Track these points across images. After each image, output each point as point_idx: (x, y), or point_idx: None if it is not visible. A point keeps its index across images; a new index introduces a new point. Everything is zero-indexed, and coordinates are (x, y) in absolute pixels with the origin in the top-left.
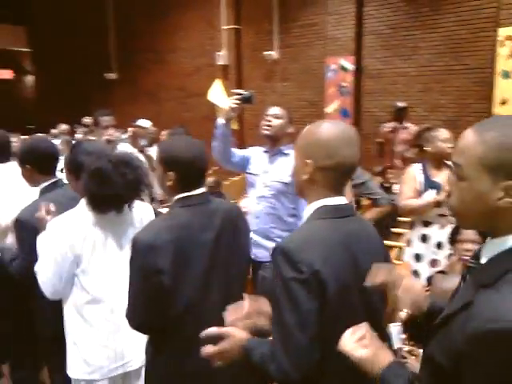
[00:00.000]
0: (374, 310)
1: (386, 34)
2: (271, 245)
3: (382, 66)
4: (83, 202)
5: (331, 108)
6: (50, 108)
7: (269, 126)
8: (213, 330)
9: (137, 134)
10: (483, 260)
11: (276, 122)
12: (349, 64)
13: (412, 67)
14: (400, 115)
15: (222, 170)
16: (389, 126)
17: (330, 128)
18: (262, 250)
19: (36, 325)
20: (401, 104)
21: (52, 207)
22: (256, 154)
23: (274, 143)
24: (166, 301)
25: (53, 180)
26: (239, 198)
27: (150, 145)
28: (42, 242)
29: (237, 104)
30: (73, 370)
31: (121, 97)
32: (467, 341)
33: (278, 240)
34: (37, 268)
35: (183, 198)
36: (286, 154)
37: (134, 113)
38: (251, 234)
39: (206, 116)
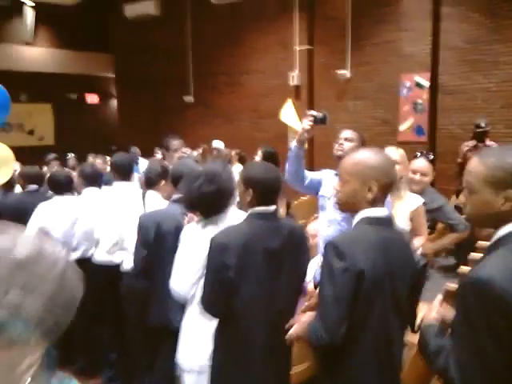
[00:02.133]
0: (399, 295)
1: (465, 48)
2: None
3: (459, 82)
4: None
5: (405, 126)
6: (131, 130)
7: (341, 148)
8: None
9: (206, 151)
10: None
11: (348, 145)
12: (424, 80)
13: (492, 82)
14: (482, 133)
15: (290, 189)
16: (469, 144)
17: (376, 153)
18: None
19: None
20: (482, 121)
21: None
22: (328, 177)
23: None
24: (231, 292)
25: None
26: (308, 218)
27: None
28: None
29: (310, 125)
30: (187, 359)
31: (197, 119)
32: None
33: None
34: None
35: (257, 212)
36: None
37: (209, 134)
38: (320, 257)
39: (278, 136)
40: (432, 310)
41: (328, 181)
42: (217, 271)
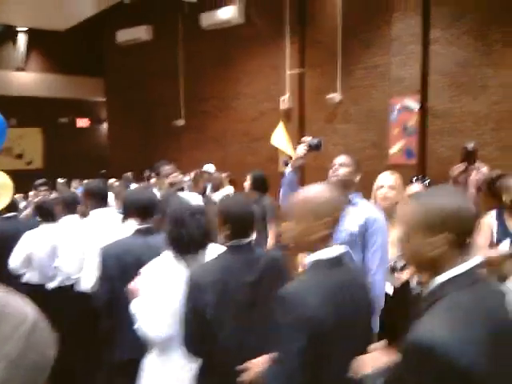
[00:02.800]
0: (358, 340)
1: (454, 71)
2: None
3: (449, 105)
4: (166, 253)
5: (395, 149)
6: (122, 154)
7: (336, 174)
8: (245, 365)
9: (198, 176)
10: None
11: (343, 171)
12: (414, 103)
13: (482, 105)
14: (470, 155)
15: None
16: (459, 167)
17: (324, 189)
18: None
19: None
20: (471, 144)
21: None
22: None
23: (342, 191)
24: (210, 330)
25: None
26: None
27: (215, 190)
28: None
29: (305, 152)
30: None
31: (188, 142)
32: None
33: None
34: (136, 308)
35: (233, 245)
36: (353, 204)
37: (200, 158)
38: None
39: (269, 159)
40: (369, 360)
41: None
42: (196, 310)
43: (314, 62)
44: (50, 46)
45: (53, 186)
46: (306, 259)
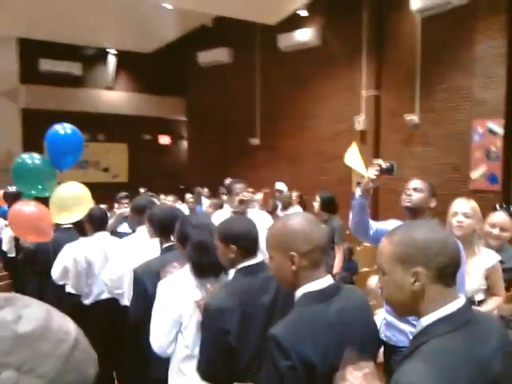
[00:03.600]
0: None
1: None
2: (409, 328)
3: None
4: (187, 267)
5: (477, 173)
6: (199, 170)
7: (409, 199)
8: None
9: (268, 195)
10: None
11: (417, 196)
12: (497, 127)
13: None
14: None
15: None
16: None
17: (294, 219)
18: (396, 332)
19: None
20: None
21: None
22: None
23: (415, 217)
24: (231, 358)
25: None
26: (371, 266)
27: (285, 208)
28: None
29: (377, 175)
30: None
31: (262, 161)
32: None
33: (415, 323)
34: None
35: (245, 266)
36: None
37: (273, 176)
38: (385, 314)
39: (341, 179)
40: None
41: None
42: (215, 338)
43: (390, 83)
44: (136, 67)
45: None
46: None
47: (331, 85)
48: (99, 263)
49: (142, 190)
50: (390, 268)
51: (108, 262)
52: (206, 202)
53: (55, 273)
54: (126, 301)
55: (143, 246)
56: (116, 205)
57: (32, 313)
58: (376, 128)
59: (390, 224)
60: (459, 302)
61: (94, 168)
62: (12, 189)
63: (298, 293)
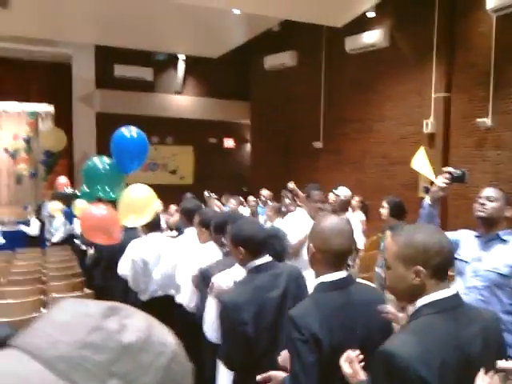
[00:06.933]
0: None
1: None
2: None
3: None
4: (237, 267)
5: None
6: (262, 173)
7: (483, 209)
8: (264, 375)
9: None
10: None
11: (491, 205)
12: None
13: None
14: None
15: None
16: None
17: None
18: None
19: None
20: None
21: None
22: (466, 238)
23: (489, 227)
24: (248, 346)
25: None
26: None
27: (335, 212)
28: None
29: (446, 184)
30: None
31: (325, 164)
32: None
33: None
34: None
35: (255, 266)
36: (504, 241)
37: (337, 180)
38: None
39: (405, 184)
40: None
41: (467, 243)
42: (233, 329)
43: (461, 85)
44: (203, 72)
45: (200, 200)
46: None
47: (399, 87)
48: (153, 262)
49: (206, 193)
50: (394, 264)
51: (160, 261)
52: (270, 205)
53: (121, 268)
54: (179, 298)
55: (191, 246)
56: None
57: (135, 323)
58: (445, 131)
59: (461, 234)
60: (449, 292)
61: (163, 170)
62: (68, 190)
63: (315, 282)
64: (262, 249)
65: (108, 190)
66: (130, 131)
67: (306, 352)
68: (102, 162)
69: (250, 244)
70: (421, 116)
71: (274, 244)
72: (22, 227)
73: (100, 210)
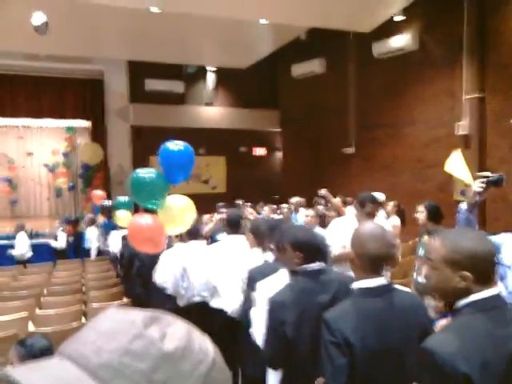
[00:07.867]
0: (406, 374)
1: None
2: None
3: None
4: (283, 271)
5: None
6: (293, 181)
7: None
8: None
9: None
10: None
11: None
12: None
13: None
14: None
15: None
16: None
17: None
18: None
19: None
20: None
21: None
22: (509, 242)
23: None
24: (289, 347)
25: None
26: None
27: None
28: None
29: (483, 188)
30: None
31: (357, 170)
32: None
33: None
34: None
35: (307, 270)
36: None
37: (369, 185)
38: None
39: (440, 187)
40: None
41: (509, 246)
42: (274, 328)
43: (495, 85)
44: (233, 83)
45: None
46: None
47: (429, 89)
48: (193, 268)
49: (238, 202)
50: (440, 266)
51: (198, 267)
52: (302, 212)
53: (157, 277)
54: (215, 303)
55: (233, 252)
56: (216, 214)
57: (175, 332)
58: (480, 132)
59: (503, 238)
60: (490, 292)
61: (196, 180)
62: (107, 202)
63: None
64: (318, 254)
65: (154, 200)
66: (176, 144)
67: (337, 355)
68: (147, 173)
69: (308, 249)
70: (453, 118)
71: (327, 251)
72: (50, 241)
73: (146, 219)
